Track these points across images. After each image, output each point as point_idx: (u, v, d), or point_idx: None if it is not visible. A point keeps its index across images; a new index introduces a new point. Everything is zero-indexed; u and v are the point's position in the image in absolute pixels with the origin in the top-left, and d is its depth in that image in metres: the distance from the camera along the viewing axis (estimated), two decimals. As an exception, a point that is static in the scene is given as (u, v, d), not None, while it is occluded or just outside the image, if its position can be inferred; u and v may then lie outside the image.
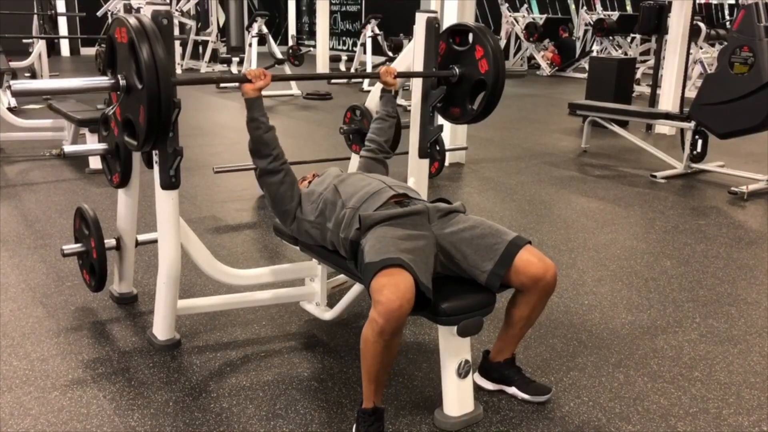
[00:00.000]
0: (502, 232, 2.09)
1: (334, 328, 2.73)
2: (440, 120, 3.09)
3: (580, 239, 3.91)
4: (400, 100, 7.88)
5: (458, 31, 2.74)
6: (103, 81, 2.06)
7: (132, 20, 1.95)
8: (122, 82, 2.01)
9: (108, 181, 2.85)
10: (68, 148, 3.04)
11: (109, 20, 9.64)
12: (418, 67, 2.84)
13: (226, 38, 13.42)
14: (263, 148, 2.33)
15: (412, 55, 2.88)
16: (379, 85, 3.27)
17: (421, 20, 2.79)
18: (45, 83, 2.01)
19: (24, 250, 3.49)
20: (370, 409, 1.96)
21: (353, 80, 11.26)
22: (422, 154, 2.97)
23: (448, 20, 5.24)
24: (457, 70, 2.70)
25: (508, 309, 2.18)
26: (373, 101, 3.28)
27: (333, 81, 11.33)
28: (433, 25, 2.78)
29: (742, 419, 2.18)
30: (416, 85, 2.89)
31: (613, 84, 7.57)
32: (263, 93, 2.37)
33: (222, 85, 10.29)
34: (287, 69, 9.73)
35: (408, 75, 2.87)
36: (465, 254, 2.07)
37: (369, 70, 10.51)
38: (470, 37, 2.65)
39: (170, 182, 2.31)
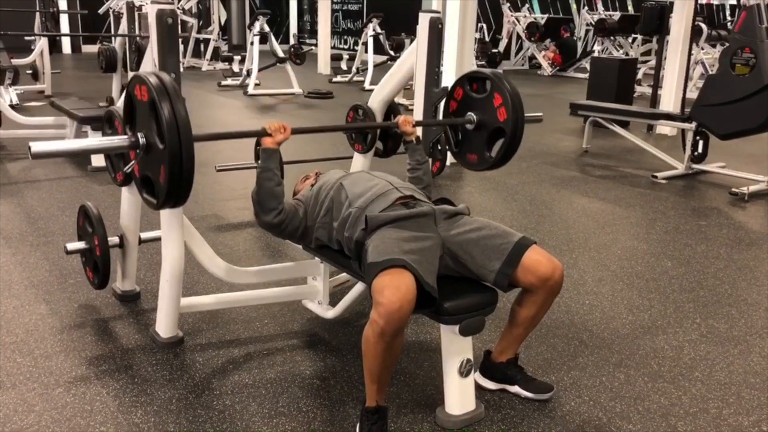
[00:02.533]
0: (508, 233, 2.11)
1: (336, 327, 2.74)
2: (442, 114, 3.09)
3: (581, 239, 3.93)
4: (400, 99, 7.89)
5: (475, 78, 2.67)
6: (123, 140, 2.01)
7: (152, 79, 1.90)
8: (142, 141, 1.96)
9: (112, 179, 2.86)
10: (72, 145, 3.04)
11: (111, 18, 9.66)
12: (421, 68, 2.85)
13: (227, 36, 13.39)
14: (271, 201, 2.27)
15: (416, 56, 2.89)
16: (382, 84, 3.29)
17: (424, 20, 2.80)
18: (64, 145, 1.95)
19: (27, 247, 3.50)
20: (372, 407, 1.98)
21: (355, 79, 11.27)
22: (425, 153, 2.97)
23: (451, 20, 5.25)
24: (474, 117, 2.64)
25: (513, 309, 2.19)
26: (375, 100, 3.29)
27: (334, 80, 11.34)
28: (436, 25, 2.79)
29: (742, 419, 2.19)
30: (419, 85, 2.90)
31: (615, 84, 7.57)
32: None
33: (223, 83, 10.30)
34: (289, 68, 9.73)
35: (425, 124, 2.79)
36: (472, 255, 2.09)
37: (370, 69, 10.52)
38: (488, 84, 2.59)
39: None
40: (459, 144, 2.77)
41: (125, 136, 2.01)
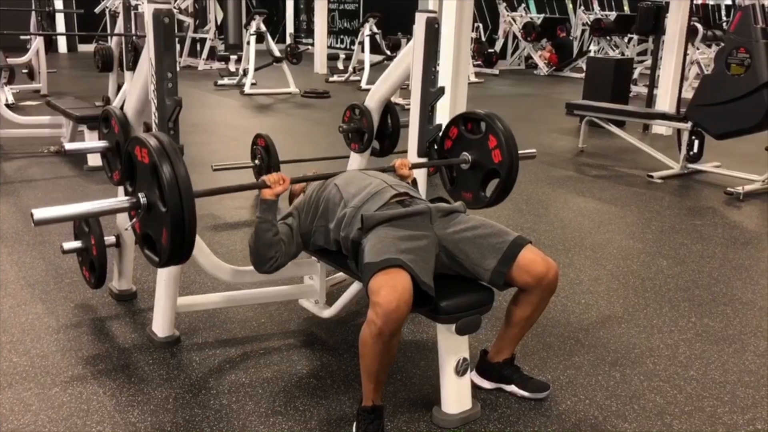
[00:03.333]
0: (504, 232, 2.12)
1: (332, 326, 2.74)
2: (438, 119, 3.10)
3: (577, 239, 3.94)
4: (397, 99, 7.90)
5: (470, 118, 2.68)
6: (124, 201, 2.00)
7: (152, 141, 1.89)
8: (143, 201, 1.96)
9: (108, 178, 2.86)
10: (69, 145, 3.04)
11: (107, 17, 9.64)
12: (417, 67, 2.85)
13: (224, 36, 13.39)
14: (267, 252, 2.24)
15: (412, 55, 2.89)
16: (379, 83, 3.29)
17: (420, 20, 2.80)
18: (66, 210, 1.95)
19: (23, 246, 3.50)
20: (369, 407, 1.98)
21: (351, 79, 11.26)
22: (421, 153, 2.98)
23: (447, 20, 5.25)
24: (469, 157, 2.66)
25: (509, 309, 2.20)
26: (372, 100, 3.30)
27: (330, 80, 11.34)
28: (432, 25, 2.79)
29: (737, 417, 2.20)
30: (415, 84, 2.91)
31: (611, 84, 7.59)
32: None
33: (219, 82, 10.30)
34: (285, 67, 9.73)
35: (422, 166, 2.81)
36: (468, 253, 2.10)
37: (367, 69, 10.52)
38: (482, 125, 2.61)
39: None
40: (454, 181, 2.80)
41: (126, 198, 2.02)
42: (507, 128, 2.58)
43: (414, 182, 2.58)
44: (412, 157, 2.99)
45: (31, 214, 1.85)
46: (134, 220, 2.02)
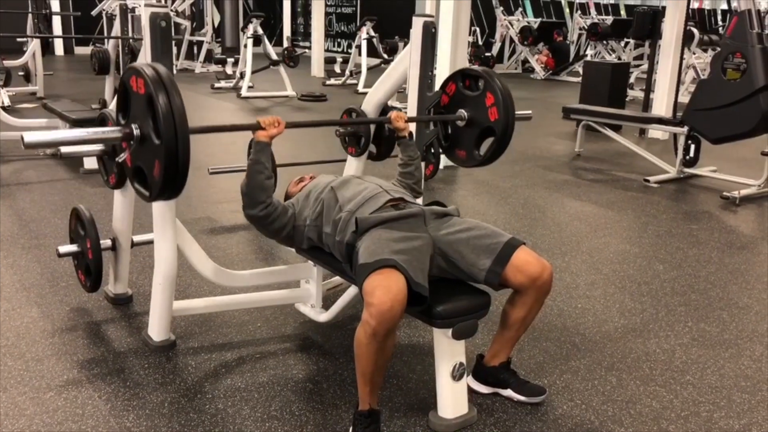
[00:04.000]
0: (498, 233, 2.12)
1: (329, 330, 2.74)
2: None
3: (573, 243, 3.94)
4: (394, 102, 7.89)
5: (468, 75, 2.68)
6: (117, 130, 1.98)
7: (149, 71, 1.87)
8: (136, 132, 1.93)
9: (104, 181, 2.85)
10: (65, 148, 3.03)
11: (103, 20, 9.63)
12: (415, 70, 2.85)
13: (221, 39, 13.39)
14: (260, 195, 2.25)
15: (409, 60, 2.90)
16: (376, 87, 3.29)
17: (418, 24, 2.81)
18: (58, 134, 1.94)
19: (18, 250, 3.49)
20: (366, 411, 1.98)
21: (348, 82, 11.27)
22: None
23: (444, 24, 5.26)
24: (465, 114, 2.65)
25: (504, 311, 2.20)
26: (369, 103, 3.29)
27: (327, 83, 11.35)
28: (429, 28, 2.79)
29: (732, 422, 2.20)
30: (412, 88, 2.91)
31: (607, 88, 7.61)
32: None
33: (216, 85, 10.29)
34: (282, 70, 9.73)
35: (417, 119, 2.81)
36: (462, 254, 2.10)
37: (364, 72, 10.52)
38: (480, 82, 2.60)
39: (167, 184, 2.31)
40: (448, 138, 2.78)
41: (119, 127, 1.99)
42: (505, 87, 2.57)
43: (410, 135, 2.61)
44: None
45: (22, 137, 1.82)
46: (126, 152, 1.99)
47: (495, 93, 2.54)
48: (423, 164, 3.05)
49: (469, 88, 2.66)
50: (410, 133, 2.61)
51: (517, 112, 2.60)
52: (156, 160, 1.87)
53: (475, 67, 2.66)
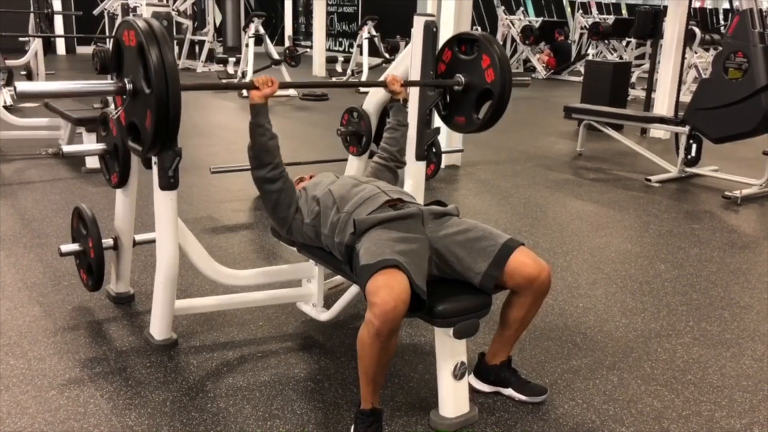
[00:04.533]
0: (495, 235, 2.11)
1: (330, 329, 2.74)
2: (437, 123, 3.11)
3: (574, 242, 3.94)
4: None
5: (464, 39, 2.68)
6: (109, 84, 2.01)
7: (141, 23, 1.90)
8: (129, 86, 1.95)
9: (106, 180, 2.86)
10: (67, 147, 3.04)
11: (105, 19, 9.65)
12: (416, 71, 2.85)
13: (222, 38, 13.39)
14: (265, 156, 2.29)
15: (410, 59, 2.90)
16: (377, 88, 3.29)
17: (419, 24, 2.81)
18: (49, 85, 1.98)
19: (20, 249, 3.49)
20: (368, 410, 1.98)
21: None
22: (419, 157, 2.99)
23: (446, 23, 5.26)
24: (462, 79, 2.66)
25: (503, 311, 2.20)
26: (370, 103, 3.30)
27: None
28: (431, 28, 2.80)
29: (734, 422, 2.21)
30: (413, 88, 2.91)
31: (609, 88, 7.61)
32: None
33: (218, 85, 10.29)
34: (284, 70, 9.73)
35: (414, 84, 2.84)
36: (459, 257, 2.10)
37: (365, 72, 10.52)
38: (476, 46, 2.61)
39: (169, 183, 2.32)
40: (447, 107, 2.78)
41: (112, 81, 2.01)
42: (501, 49, 2.59)
43: (405, 101, 2.63)
44: (410, 160, 2.99)
45: (14, 87, 1.85)
46: (120, 108, 2.01)
47: (491, 54, 2.55)
48: (423, 164, 3.06)
49: (465, 53, 2.67)
50: (405, 99, 2.62)
51: (514, 78, 2.61)
52: (148, 110, 1.88)
53: (471, 31, 2.67)
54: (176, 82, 1.89)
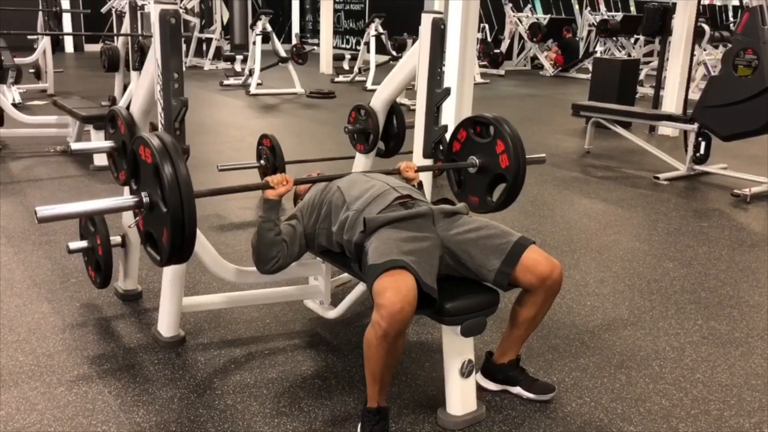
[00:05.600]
0: (507, 233, 2.11)
1: (337, 327, 2.74)
2: (444, 120, 3.10)
3: (582, 240, 3.93)
4: (402, 99, 7.89)
5: (478, 122, 2.68)
6: (128, 200, 2.02)
7: (155, 141, 1.91)
8: (146, 200, 1.97)
9: (114, 178, 2.87)
10: (75, 145, 3.04)
11: (113, 17, 9.67)
12: (423, 67, 2.85)
13: (230, 36, 13.40)
14: (269, 251, 2.24)
15: (418, 56, 2.89)
16: (384, 84, 3.29)
17: (427, 21, 2.80)
18: (70, 207, 1.96)
19: (29, 246, 3.51)
20: (374, 408, 1.98)
21: (357, 79, 11.26)
22: (426, 155, 2.99)
23: (453, 21, 5.25)
24: (477, 161, 2.65)
25: (513, 310, 2.19)
26: (378, 100, 3.30)
27: (336, 80, 11.35)
28: (439, 26, 2.79)
29: (743, 421, 2.19)
30: (421, 85, 2.90)
31: (617, 85, 7.56)
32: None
33: (225, 82, 10.31)
34: (291, 67, 9.74)
35: (427, 169, 2.79)
36: (471, 254, 2.09)
37: (372, 69, 10.51)
38: (491, 129, 2.60)
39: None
40: (461, 185, 2.78)
41: (130, 197, 2.03)
42: (515, 133, 2.56)
43: (420, 185, 2.58)
44: (418, 158, 2.99)
45: (35, 212, 1.86)
46: (137, 218, 2.03)
47: (505, 140, 2.54)
48: (432, 162, 3.06)
49: (480, 134, 2.66)
50: (420, 183, 2.59)
51: (528, 156, 2.60)
52: (164, 228, 1.90)
53: (485, 114, 2.65)
54: (191, 201, 1.89)
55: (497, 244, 2.08)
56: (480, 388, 2.26)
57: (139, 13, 6.24)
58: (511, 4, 13.83)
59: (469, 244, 2.11)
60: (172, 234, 1.88)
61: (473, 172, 2.69)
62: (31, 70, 8.87)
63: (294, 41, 13.24)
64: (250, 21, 12.16)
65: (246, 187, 2.42)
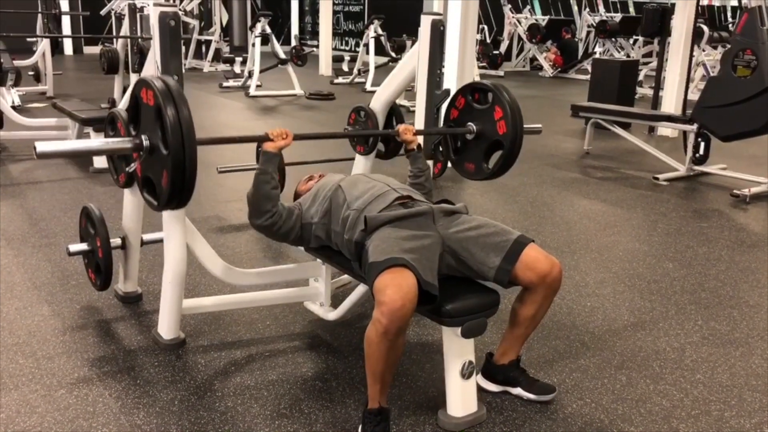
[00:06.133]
0: (507, 231, 2.13)
1: (337, 329, 2.74)
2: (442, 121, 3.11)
3: (582, 241, 3.93)
4: (402, 101, 7.89)
5: (478, 88, 2.69)
6: (127, 142, 2.02)
7: (158, 83, 1.90)
8: (146, 143, 1.97)
9: (114, 180, 2.86)
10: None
11: (112, 19, 9.67)
12: (423, 69, 2.85)
13: (229, 38, 13.42)
14: (265, 204, 2.27)
15: (418, 58, 2.90)
16: (384, 85, 3.29)
17: (426, 23, 2.80)
18: (69, 145, 1.97)
19: (29, 248, 3.51)
20: (375, 409, 1.98)
21: (356, 81, 11.27)
22: (427, 156, 2.98)
23: (452, 22, 5.26)
24: (474, 128, 2.66)
25: (513, 309, 2.19)
26: (377, 102, 3.30)
27: (335, 82, 11.35)
28: (438, 27, 2.79)
29: (743, 421, 2.19)
30: (420, 87, 2.91)
31: (616, 86, 7.56)
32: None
33: (224, 84, 10.32)
34: (290, 69, 9.74)
35: (425, 132, 2.82)
36: (471, 252, 2.10)
37: (372, 71, 10.52)
38: (489, 96, 2.61)
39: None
40: (457, 152, 2.78)
41: (129, 138, 2.02)
42: (514, 100, 2.57)
43: (419, 147, 2.61)
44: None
45: (34, 147, 1.86)
46: (136, 162, 2.03)
47: (503, 106, 2.54)
48: (431, 162, 3.06)
49: (479, 101, 2.66)
50: (419, 146, 2.60)
51: (526, 126, 2.60)
52: (164, 171, 1.90)
53: (485, 81, 2.66)
54: (193, 144, 1.89)
55: (497, 241, 2.09)
56: (480, 389, 2.26)
57: (138, 15, 6.24)
58: (510, 6, 13.83)
59: (469, 242, 2.11)
60: (172, 176, 1.88)
61: (470, 138, 2.69)
62: (31, 73, 8.87)
63: (293, 43, 13.26)
64: (249, 23, 12.17)
65: (246, 138, 2.45)
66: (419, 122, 2.95)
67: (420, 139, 2.80)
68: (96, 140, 2.05)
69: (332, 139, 2.64)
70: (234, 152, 5.89)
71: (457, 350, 2.07)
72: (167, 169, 1.88)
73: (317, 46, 13.47)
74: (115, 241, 2.83)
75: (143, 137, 1.98)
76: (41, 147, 1.86)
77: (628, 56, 12.15)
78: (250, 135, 2.42)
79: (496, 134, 2.57)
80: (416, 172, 2.62)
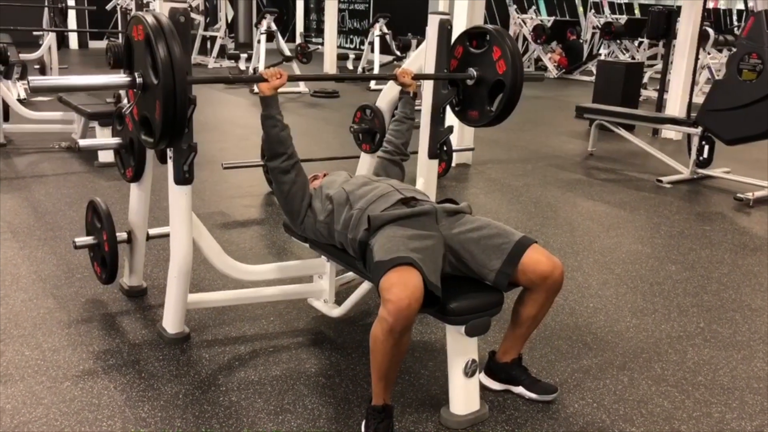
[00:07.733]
0: (509, 232, 2.13)
1: (341, 325, 2.75)
2: (449, 121, 3.11)
3: (585, 242, 3.93)
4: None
5: (475, 34, 2.71)
6: (120, 78, 2.07)
7: (149, 18, 1.96)
8: (139, 80, 2.01)
9: (121, 175, 2.88)
10: (83, 142, 3.06)
11: (118, 14, 9.70)
12: (430, 69, 2.86)
13: (234, 34, 13.42)
14: (278, 147, 2.35)
15: (424, 57, 2.90)
16: (390, 85, 3.30)
17: (433, 22, 2.81)
18: (63, 80, 2.03)
19: (35, 241, 3.53)
20: (380, 406, 1.99)
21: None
22: (432, 155, 2.99)
23: (458, 21, 5.26)
24: (474, 73, 2.68)
25: (515, 308, 2.20)
26: (383, 100, 3.31)
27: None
28: (445, 26, 2.80)
29: (744, 424, 2.20)
30: (427, 86, 2.91)
31: (621, 88, 7.57)
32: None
33: (229, 81, 10.32)
34: (295, 66, 9.75)
35: (425, 77, 2.85)
36: (473, 253, 2.11)
37: (377, 69, 10.53)
38: (487, 38, 2.64)
39: (184, 177, 2.34)
40: (460, 102, 2.80)
41: (125, 76, 2.07)
42: (511, 39, 2.62)
43: (414, 95, 2.67)
44: (422, 158, 3.00)
45: (27, 81, 1.90)
46: (132, 103, 2.06)
47: (501, 46, 2.58)
48: (435, 162, 3.07)
49: (477, 47, 2.70)
50: (414, 94, 2.66)
51: (529, 72, 2.64)
52: (157, 102, 1.93)
53: (482, 24, 2.69)
54: (182, 71, 1.94)
55: (499, 243, 2.09)
56: (483, 388, 2.27)
57: (144, 10, 6.25)
58: (515, 6, 13.83)
59: (470, 243, 2.12)
60: (164, 106, 1.91)
61: (471, 84, 2.71)
62: (36, 66, 8.88)
63: (298, 40, 13.24)
64: (254, 19, 12.17)
65: (241, 78, 2.50)
66: (424, 123, 2.95)
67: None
68: (91, 77, 2.11)
69: (329, 80, 2.69)
70: (238, 149, 5.90)
71: (461, 348, 2.08)
72: (159, 99, 1.92)
73: (322, 44, 13.47)
74: (121, 235, 2.84)
75: (136, 74, 2.03)
76: (35, 82, 1.92)
77: (633, 58, 12.15)
78: (245, 76, 2.50)
79: (496, 74, 2.61)
80: (401, 116, 2.70)
